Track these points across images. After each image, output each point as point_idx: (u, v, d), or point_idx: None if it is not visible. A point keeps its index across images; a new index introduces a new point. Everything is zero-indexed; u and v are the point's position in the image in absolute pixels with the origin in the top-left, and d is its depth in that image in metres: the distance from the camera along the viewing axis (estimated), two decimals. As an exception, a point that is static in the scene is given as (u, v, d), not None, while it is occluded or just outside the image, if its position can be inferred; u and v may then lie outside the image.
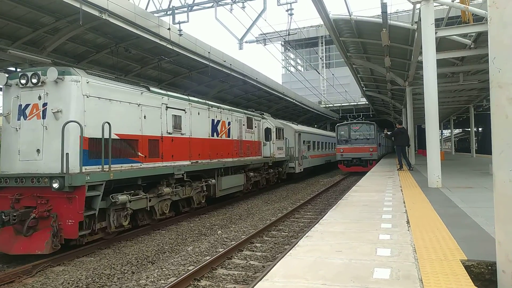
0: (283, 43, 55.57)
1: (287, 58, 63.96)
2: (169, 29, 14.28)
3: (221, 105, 14.89)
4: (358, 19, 13.09)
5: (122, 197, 8.61)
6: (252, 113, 17.78)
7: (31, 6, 10.84)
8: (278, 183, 21.26)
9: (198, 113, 12.72)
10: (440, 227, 5.32)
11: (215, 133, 13.80)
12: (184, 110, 11.79)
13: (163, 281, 6.41)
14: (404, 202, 7.55)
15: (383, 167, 19.85)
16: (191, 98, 12.51)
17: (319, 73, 43.55)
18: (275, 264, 4.40)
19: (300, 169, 23.14)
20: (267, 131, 18.74)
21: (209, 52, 17.33)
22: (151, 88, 10.45)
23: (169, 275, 6.73)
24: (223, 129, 14.47)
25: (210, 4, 15.95)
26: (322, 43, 58.52)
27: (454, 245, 4.36)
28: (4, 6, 10.47)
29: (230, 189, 14.49)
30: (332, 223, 5.82)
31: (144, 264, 7.45)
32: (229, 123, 15.01)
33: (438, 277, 3.32)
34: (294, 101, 32.23)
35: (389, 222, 5.76)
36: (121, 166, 9.02)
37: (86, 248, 8.31)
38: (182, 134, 11.59)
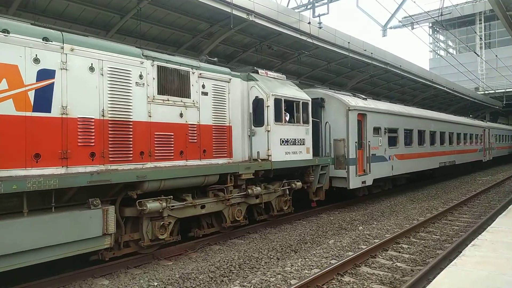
0: (431, 25, 50.11)
1: (436, 40, 57.37)
2: (309, 23, 14.48)
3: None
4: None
5: None
6: (184, 59, 8.04)
7: (191, 15, 12.48)
8: (296, 213, 10.86)
9: None
10: None
11: None
12: None
13: (306, 271, 6.52)
14: None
15: None
16: None
17: (477, 55, 37.64)
18: (438, 273, 3.96)
19: (363, 182, 12.61)
20: (257, 104, 9.22)
21: (348, 42, 16.87)
22: None
23: (312, 265, 6.81)
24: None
25: (352, -7, 15.48)
26: (480, 20, 50.46)
27: None
28: (170, 17, 12.38)
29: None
30: (505, 232, 4.95)
31: (288, 252, 7.74)
32: (43, 74, 5.71)
33: None
34: (444, 88, 28.61)
35: None
36: None
37: (237, 231, 9.09)
38: None
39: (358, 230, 9.51)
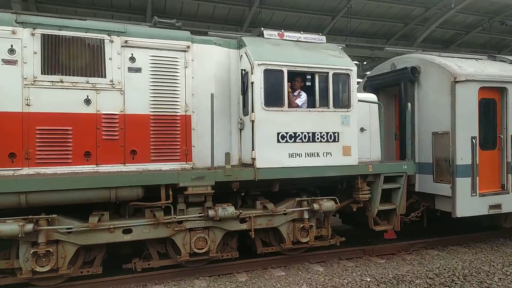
0: None
1: None
2: None
3: None
4: None
5: None
6: (94, 22, 5.71)
7: (403, 2, 11.79)
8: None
9: None
10: None
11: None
12: None
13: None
14: None
15: None
16: None
17: None
18: None
19: (493, 206, 7.07)
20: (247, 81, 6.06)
21: None
22: None
23: None
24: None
25: None
26: None
27: None
28: (381, 9, 12.00)
29: None
30: None
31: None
32: None
33: None
34: None
35: None
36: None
37: (460, 237, 7.91)
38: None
39: None
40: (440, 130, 7.11)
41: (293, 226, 6.29)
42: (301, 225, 6.25)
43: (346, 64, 6.35)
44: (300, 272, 6.14)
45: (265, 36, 6.52)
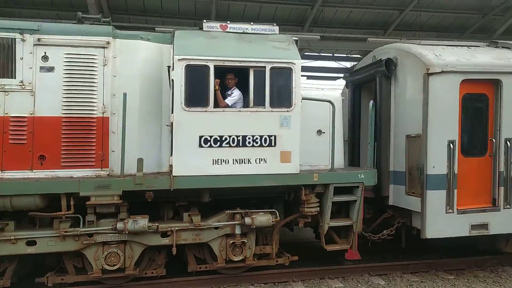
0: None
1: None
2: None
3: None
4: None
5: None
6: (4, 21, 5.44)
7: None
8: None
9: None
10: None
11: None
12: None
13: None
14: None
15: None
16: None
17: None
18: None
19: (474, 226, 5.69)
20: None
21: None
22: None
23: None
24: None
25: None
26: None
27: None
28: (454, 0, 11.23)
29: None
30: None
31: None
32: None
33: None
34: None
35: None
36: None
37: None
38: None
39: None
40: (413, 132, 5.95)
41: (226, 242, 5.55)
42: (232, 241, 5.47)
43: (288, 57, 5.48)
44: (359, 285, 5.86)
45: (204, 29, 5.88)
